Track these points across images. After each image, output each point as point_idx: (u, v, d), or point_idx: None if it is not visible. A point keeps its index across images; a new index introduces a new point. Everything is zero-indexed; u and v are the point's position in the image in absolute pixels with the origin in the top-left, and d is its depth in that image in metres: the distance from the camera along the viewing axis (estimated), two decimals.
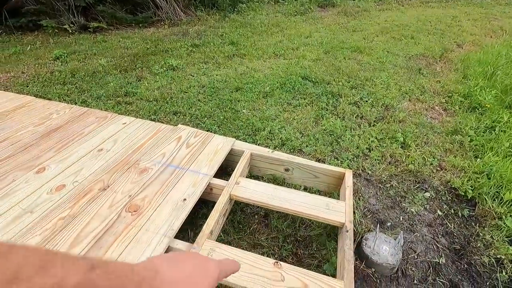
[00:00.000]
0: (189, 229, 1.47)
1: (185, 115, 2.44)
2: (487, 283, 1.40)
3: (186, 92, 2.82)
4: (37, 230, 1.16)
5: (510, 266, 1.45)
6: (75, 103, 2.50)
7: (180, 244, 1.18)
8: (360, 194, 1.78)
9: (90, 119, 1.94)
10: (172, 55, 3.81)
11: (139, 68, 3.35)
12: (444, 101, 2.89)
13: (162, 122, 2.21)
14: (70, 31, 4.70)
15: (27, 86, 2.80)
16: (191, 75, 3.23)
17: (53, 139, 1.71)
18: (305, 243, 1.48)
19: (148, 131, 1.85)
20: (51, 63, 3.41)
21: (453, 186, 1.88)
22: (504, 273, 1.42)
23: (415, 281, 1.36)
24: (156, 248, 1.12)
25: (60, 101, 2.20)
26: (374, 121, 2.48)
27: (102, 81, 2.99)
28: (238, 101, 2.68)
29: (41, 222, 1.19)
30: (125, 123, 1.92)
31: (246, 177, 1.74)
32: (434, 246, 1.54)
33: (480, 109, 2.70)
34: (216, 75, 3.22)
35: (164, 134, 1.82)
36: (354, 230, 1.46)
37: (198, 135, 1.83)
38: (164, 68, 3.36)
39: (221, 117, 2.42)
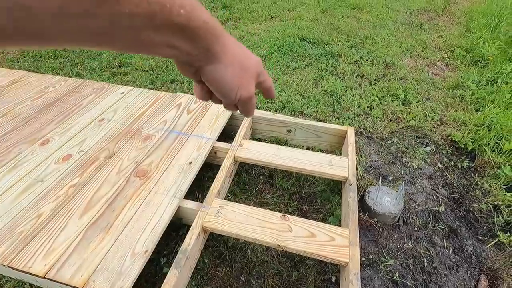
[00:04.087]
0: (197, 192, 1.51)
1: (183, 83, 2.40)
2: (484, 227, 1.46)
3: None
4: (51, 197, 1.19)
5: (507, 211, 1.51)
6: (70, 76, 2.45)
7: (190, 204, 1.22)
8: (362, 152, 1.81)
9: (87, 90, 1.91)
10: None
11: None
12: (446, 56, 2.83)
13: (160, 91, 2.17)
14: None
15: (18, 62, 2.72)
16: None
17: (52, 111, 1.69)
18: (309, 199, 1.53)
19: (147, 99, 1.82)
20: None
21: (453, 139, 1.90)
22: (500, 218, 1.48)
23: (416, 228, 1.43)
24: (166, 209, 1.16)
25: (54, 75, 2.14)
26: (375, 79, 2.44)
27: (94, 53, 2.90)
28: None
29: (53, 190, 1.22)
30: (123, 92, 1.89)
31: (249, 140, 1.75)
32: (434, 196, 1.59)
33: (482, 62, 2.65)
34: None
35: (164, 101, 1.81)
36: (357, 184, 1.51)
37: (198, 101, 1.81)
38: None
39: None
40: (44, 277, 0.94)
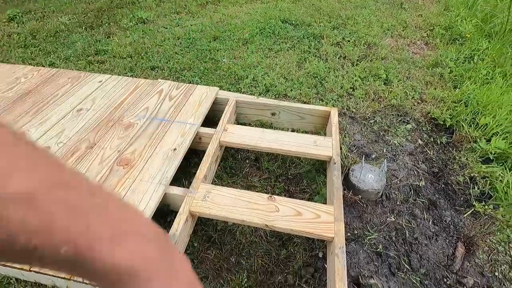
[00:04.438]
0: (184, 178, 1.50)
1: (163, 69, 2.33)
2: (461, 199, 1.54)
3: (161, 46, 2.65)
4: None
5: (482, 182, 1.59)
6: (43, 66, 2.33)
7: (176, 190, 1.21)
8: (345, 132, 1.84)
9: (62, 80, 1.83)
10: (140, 7, 3.50)
11: (106, 24, 3.09)
12: (426, 35, 2.87)
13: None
14: None
15: None
16: (164, 27, 3.01)
17: (26, 103, 1.62)
18: (295, 180, 1.56)
19: (126, 87, 1.77)
20: (6, 25, 3.07)
21: (433, 116, 1.96)
22: (476, 188, 1.56)
23: (398, 203, 1.48)
24: (152, 196, 1.15)
25: (25, 65, 2.04)
26: (357, 60, 2.46)
27: (67, 41, 2.76)
28: (217, 50, 2.57)
29: None
30: (100, 81, 1.82)
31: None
32: (415, 172, 1.65)
33: (460, 39, 2.71)
34: (191, 25, 3.02)
35: (144, 89, 1.76)
36: (341, 163, 1.54)
37: (180, 87, 1.78)
38: (134, 22, 3.10)
39: (201, 68, 2.33)
40: (30, 270, 0.93)
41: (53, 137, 1.40)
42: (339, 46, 2.65)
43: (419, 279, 1.21)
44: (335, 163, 1.35)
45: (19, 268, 0.94)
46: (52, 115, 1.54)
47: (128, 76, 2.22)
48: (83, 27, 3.00)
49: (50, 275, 0.93)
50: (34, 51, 2.59)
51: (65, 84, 1.78)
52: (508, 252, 1.32)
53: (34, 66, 2.14)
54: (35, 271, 0.93)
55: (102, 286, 0.23)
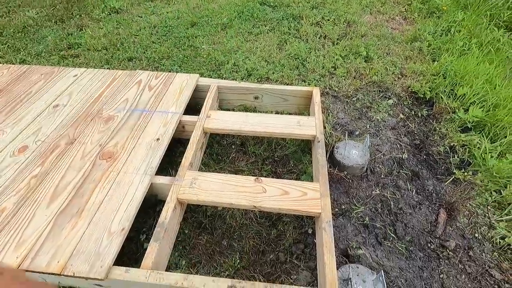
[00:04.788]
0: (170, 168, 1.49)
1: (141, 59, 2.27)
2: (442, 167, 1.59)
3: (137, 36, 2.57)
4: (10, 191, 1.12)
5: (461, 150, 1.64)
6: (12, 64, 2.23)
7: (162, 179, 1.21)
8: (329, 111, 1.85)
9: (34, 77, 1.75)
10: None
11: (77, 16, 2.95)
12: (404, 10, 2.88)
13: None
14: None
15: None
16: (138, 16, 2.90)
17: None
18: (282, 162, 1.57)
19: (103, 80, 1.72)
20: None
21: (413, 90, 1.99)
22: (456, 157, 1.61)
23: (382, 176, 1.52)
24: (138, 186, 1.14)
25: None
26: (337, 39, 2.45)
27: (37, 36, 2.63)
28: (195, 37, 2.50)
29: (12, 184, 1.15)
30: (76, 75, 1.76)
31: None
32: (398, 145, 1.69)
33: (437, 13, 2.73)
34: (167, 12, 2.92)
35: (122, 80, 1.71)
36: (325, 141, 1.56)
37: (159, 76, 1.74)
38: (106, 12, 2.98)
39: (181, 56, 2.27)
40: (18, 269, 0.92)
41: (30, 136, 1.36)
42: (319, 25, 2.63)
43: (404, 246, 1.26)
44: (319, 141, 1.37)
45: None
46: (27, 114, 1.49)
47: (104, 68, 2.15)
48: (53, 21, 2.86)
49: (40, 272, 0.92)
50: (2, 48, 2.46)
51: (38, 80, 1.71)
52: (487, 214, 1.39)
53: (3, 64, 2.04)
54: (24, 270, 0.92)
55: None
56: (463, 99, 1.87)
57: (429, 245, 1.28)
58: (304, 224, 1.30)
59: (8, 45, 2.50)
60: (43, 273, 0.92)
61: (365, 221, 1.33)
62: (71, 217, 1.04)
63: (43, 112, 1.49)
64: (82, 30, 2.70)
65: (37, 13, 3.02)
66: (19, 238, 0.98)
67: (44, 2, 3.23)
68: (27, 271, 0.92)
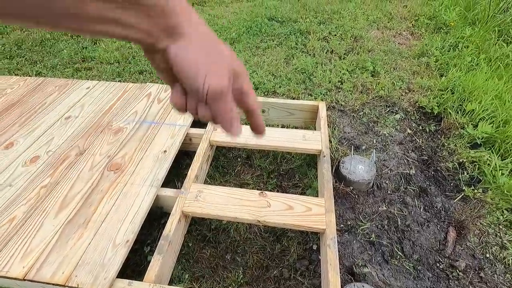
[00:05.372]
0: (176, 180, 1.51)
1: (151, 72, 2.33)
2: (451, 184, 1.57)
3: None
4: (21, 200, 1.15)
5: (471, 167, 1.61)
6: (29, 76, 2.31)
7: (168, 191, 1.22)
8: (335, 125, 1.85)
9: (49, 89, 1.82)
10: None
11: None
12: (411, 25, 2.90)
13: None
14: None
15: None
16: None
17: (13, 113, 1.61)
18: (288, 175, 1.57)
19: (115, 92, 1.77)
20: None
21: (420, 105, 1.98)
22: (465, 174, 1.59)
23: (389, 192, 1.50)
24: (144, 198, 1.16)
25: (11, 76, 2.02)
26: (344, 53, 2.48)
27: (53, 49, 2.74)
28: None
29: (23, 193, 1.18)
30: (88, 87, 1.81)
31: None
32: (405, 160, 1.67)
33: (445, 28, 2.74)
34: None
35: (133, 93, 1.76)
36: (331, 156, 1.56)
37: (168, 89, 1.77)
38: None
39: None
40: (24, 279, 0.93)
41: (42, 146, 1.40)
42: (326, 40, 2.67)
43: (412, 265, 1.23)
44: (324, 156, 1.37)
45: (13, 278, 0.94)
46: (40, 124, 1.53)
47: (116, 81, 2.22)
48: (69, 35, 2.98)
49: (44, 283, 0.93)
50: (20, 61, 2.56)
51: (52, 92, 1.78)
52: (498, 234, 1.35)
53: (20, 76, 2.12)
54: (29, 280, 0.93)
55: (156, 26, 0.27)
56: (472, 114, 1.85)
57: (438, 264, 1.25)
58: (309, 240, 1.29)
59: (26, 58, 2.61)
60: (47, 283, 0.93)
61: (371, 238, 1.31)
62: (78, 228, 1.06)
63: (55, 123, 1.54)
64: (96, 44, 2.80)
65: None
66: (26, 248, 1.00)
67: None
68: (31, 281, 0.93)
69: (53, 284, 0.92)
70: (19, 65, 2.51)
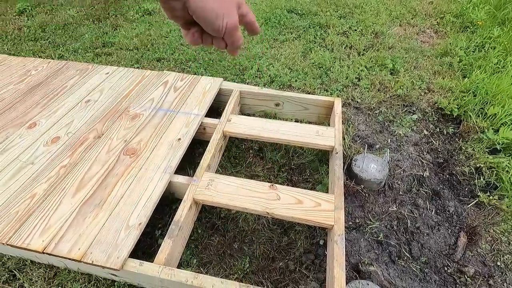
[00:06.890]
0: (188, 168, 1.54)
1: (169, 60, 2.35)
2: (466, 189, 1.53)
3: (167, 37, 2.67)
4: (42, 178, 1.21)
5: (488, 173, 1.57)
6: (52, 59, 2.38)
7: (181, 178, 1.25)
8: (350, 122, 1.83)
9: (70, 72, 1.87)
10: None
11: (113, 16, 3.11)
12: (436, 23, 2.79)
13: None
14: None
15: None
16: None
17: (37, 95, 1.67)
18: (299, 170, 1.57)
19: (133, 78, 1.80)
20: (16, 19, 3.13)
21: (440, 106, 1.93)
22: (482, 179, 1.54)
23: (400, 192, 1.49)
24: (157, 184, 1.19)
25: (35, 58, 2.09)
26: (364, 49, 2.42)
27: (75, 33, 2.80)
28: None
29: (44, 172, 1.23)
30: (108, 73, 1.86)
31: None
32: (419, 162, 1.64)
33: (471, 27, 2.63)
34: None
35: (150, 80, 1.79)
36: (344, 153, 1.55)
37: (185, 78, 1.80)
38: (140, 14, 3.12)
39: (206, 59, 2.34)
40: (43, 252, 0.98)
41: (63, 128, 1.45)
42: (345, 35, 2.62)
43: (419, 267, 1.22)
44: (337, 153, 1.36)
45: (33, 250, 0.99)
46: (61, 106, 1.59)
47: (134, 67, 2.26)
48: (91, 20, 3.04)
49: (62, 257, 0.98)
50: (43, 44, 2.64)
51: (73, 76, 1.83)
52: None
53: (44, 58, 2.19)
54: (47, 253, 0.98)
55: None
56: (494, 119, 1.79)
57: (445, 268, 1.23)
58: (316, 235, 1.29)
59: (49, 41, 2.68)
60: (65, 258, 0.98)
61: (379, 238, 1.31)
62: (93, 208, 1.10)
63: (76, 106, 1.59)
64: (117, 30, 2.85)
65: (77, 11, 3.22)
66: (45, 224, 1.05)
67: (84, 2, 3.43)
68: (50, 254, 0.99)
69: (70, 259, 0.97)
70: (43, 47, 2.59)
